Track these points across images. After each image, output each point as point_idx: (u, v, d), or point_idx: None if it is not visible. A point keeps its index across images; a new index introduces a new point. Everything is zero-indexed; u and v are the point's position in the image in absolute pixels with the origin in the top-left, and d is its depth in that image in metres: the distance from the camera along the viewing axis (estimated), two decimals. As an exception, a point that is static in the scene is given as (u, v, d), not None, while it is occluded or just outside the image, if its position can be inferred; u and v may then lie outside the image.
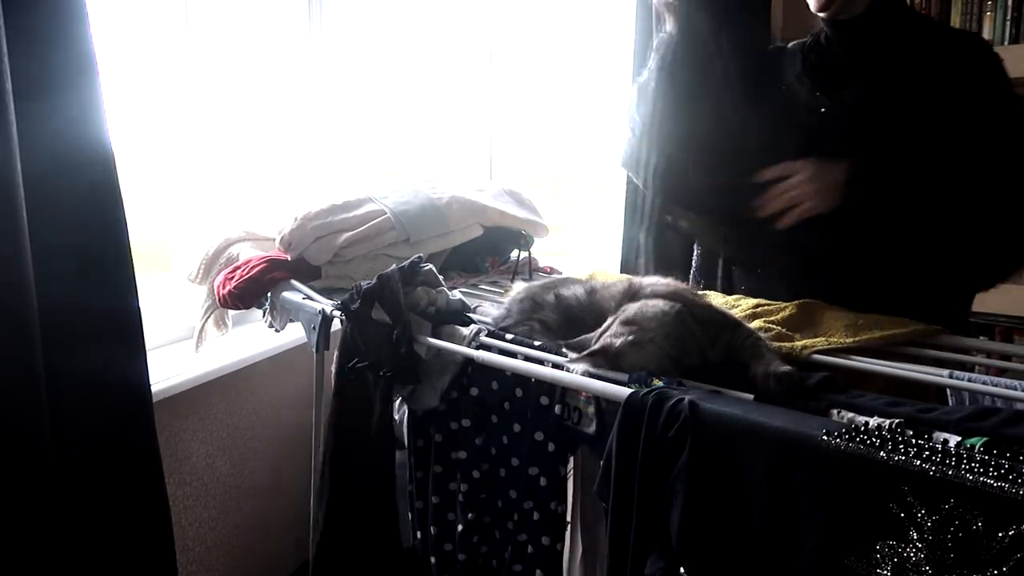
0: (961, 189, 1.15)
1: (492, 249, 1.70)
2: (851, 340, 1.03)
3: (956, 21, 2.06)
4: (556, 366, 1.04)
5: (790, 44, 1.38)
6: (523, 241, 1.70)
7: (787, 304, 1.18)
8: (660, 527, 0.83)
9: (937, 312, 1.15)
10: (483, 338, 1.16)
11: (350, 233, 1.51)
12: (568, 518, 1.25)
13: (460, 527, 1.27)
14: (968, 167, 1.15)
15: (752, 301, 1.23)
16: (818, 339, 1.03)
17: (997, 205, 1.15)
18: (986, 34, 2.02)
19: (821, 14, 1.23)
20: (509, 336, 1.14)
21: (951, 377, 0.93)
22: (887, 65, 1.21)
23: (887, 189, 1.14)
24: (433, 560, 1.33)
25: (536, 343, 1.10)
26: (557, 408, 1.13)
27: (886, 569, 0.67)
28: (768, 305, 1.19)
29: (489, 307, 1.33)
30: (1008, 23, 1.99)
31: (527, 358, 1.09)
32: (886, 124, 1.18)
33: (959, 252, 1.19)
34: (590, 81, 2.68)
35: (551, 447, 1.14)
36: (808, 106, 1.26)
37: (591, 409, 1.09)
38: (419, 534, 1.37)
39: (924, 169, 1.15)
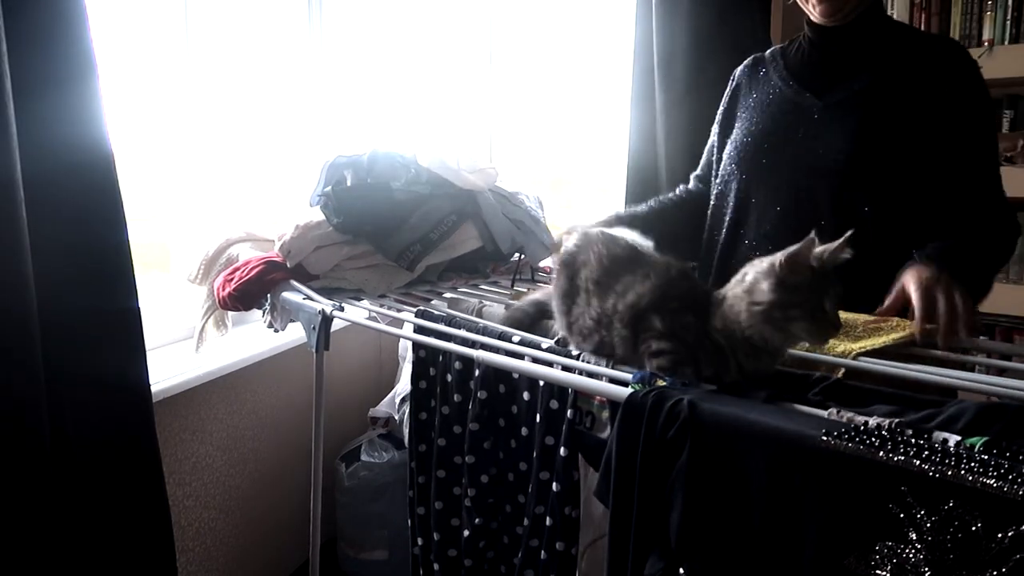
0: (939, 187, 1.20)
1: (494, 255, 1.70)
2: (881, 341, 1.02)
3: (956, 21, 2.06)
4: (567, 368, 1.01)
5: (768, 52, 1.46)
6: (523, 247, 1.70)
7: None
8: (660, 528, 0.82)
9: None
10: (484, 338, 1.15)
11: (351, 247, 1.53)
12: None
13: (466, 532, 1.26)
14: (948, 165, 1.21)
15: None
16: (860, 342, 1.02)
17: (970, 203, 1.21)
18: (986, 34, 2.02)
19: (823, 21, 1.30)
20: (516, 338, 1.11)
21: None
22: (875, 66, 1.27)
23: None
24: (437, 567, 1.31)
25: (543, 345, 1.08)
26: (569, 412, 1.09)
27: (885, 570, 0.67)
28: None
29: (496, 308, 1.32)
30: (1008, 23, 1.99)
31: (534, 360, 1.06)
32: (877, 120, 1.23)
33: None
34: (590, 81, 2.68)
35: (563, 452, 1.10)
36: (800, 106, 1.32)
37: (605, 414, 1.06)
38: (420, 541, 1.35)
39: (912, 168, 1.20)
